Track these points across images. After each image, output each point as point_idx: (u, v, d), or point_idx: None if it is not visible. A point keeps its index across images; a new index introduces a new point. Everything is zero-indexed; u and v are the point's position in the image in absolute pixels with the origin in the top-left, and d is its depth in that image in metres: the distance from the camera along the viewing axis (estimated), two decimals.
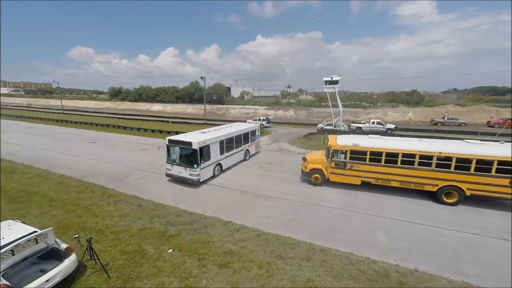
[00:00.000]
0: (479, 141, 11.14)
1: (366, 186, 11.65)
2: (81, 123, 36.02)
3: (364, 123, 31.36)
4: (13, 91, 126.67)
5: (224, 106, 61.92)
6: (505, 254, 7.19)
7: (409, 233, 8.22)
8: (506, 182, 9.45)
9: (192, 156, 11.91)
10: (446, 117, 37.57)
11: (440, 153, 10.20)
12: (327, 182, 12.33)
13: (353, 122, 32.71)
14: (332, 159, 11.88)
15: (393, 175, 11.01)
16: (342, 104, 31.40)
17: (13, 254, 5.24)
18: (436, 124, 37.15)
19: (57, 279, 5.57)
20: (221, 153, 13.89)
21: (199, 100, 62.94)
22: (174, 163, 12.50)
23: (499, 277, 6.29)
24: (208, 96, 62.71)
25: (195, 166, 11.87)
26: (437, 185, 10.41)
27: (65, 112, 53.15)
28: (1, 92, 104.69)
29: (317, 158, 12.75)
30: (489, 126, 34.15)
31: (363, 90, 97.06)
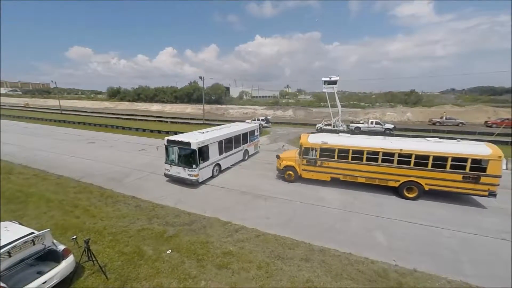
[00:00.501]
0: (438, 139, 11.70)
1: (366, 186, 11.67)
2: (79, 123, 35.86)
3: (362, 123, 31.46)
4: (11, 91, 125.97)
5: (223, 106, 61.92)
6: (504, 254, 7.22)
7: (408, 233, 8.23)
8: (459, 177, 10.03)
9: (190, 157, 11.87)
10: (444, 117, 37.74)
11: (401, 150, 10.75)
12: (325, 183, 12.35)
13: (352, 122, 32.80)
14: (304, 156, 12.40)
15: (359, 171, 11.55)
16: (341, 104, 31.46)
17: (10, 256, 5.18)
18: (434, 124, 37.30)
19: (54, 281, 5.52)
20: (220, 153, 13.86)
21: (198, 100, 62.89)
22: (173, 164, 12.45)
23: (498, 277, 6.30)
24: (207, 96, 62.70)
25: (194, 166, 11.84)
26: (399, 181, 10.97)
27: (63, 112, 52.90)
28: (0, 92, 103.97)
29: (290, 155, 13.37)
30: (487, 126, 34.31)
31: (361, 90, 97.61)
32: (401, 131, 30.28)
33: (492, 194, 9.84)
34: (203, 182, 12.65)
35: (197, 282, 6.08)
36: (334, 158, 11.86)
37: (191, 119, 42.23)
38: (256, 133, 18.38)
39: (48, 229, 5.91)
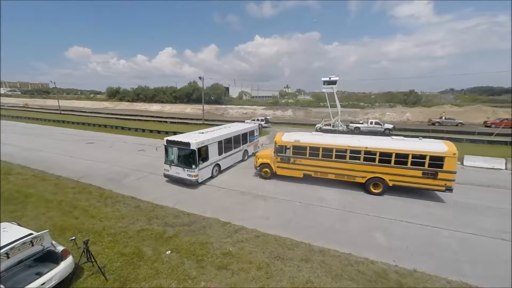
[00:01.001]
0: (402, 138, 12.34)
1: (364, 186, 11.65)
2: (78, 123, 35.78)
3: (362, 123, 31.48)
4: (10, 91, 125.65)
5: (223, 106, 61.88)
6: (503, 254, 7.22)
7: (407, 234, 8.23)
8: (419, 173, 10.50)
9: (190, 157, 11.85)
10: (443, 117, 37.81)
11: (366, 148, 11.23)
12: (325, 182, 12.41)
13: (352, 122, 32.82)
14: (278, 154, 12.90)
15: (329, 168, 12.05)
16: (340, 104, 31.47)
17: (8, 257, 5.16)
18: (433, 124, 37.37)
19: (53, 282, 5.50)
20: (220, 153, 13.84)
21: (198, 100, 62.89)
22: (172, 164, 12.42)
23: (498, 277, 6.31)
24: (207, 96, 62.63)
25: (194, 166, 11.81)
26: (365, 177, 11.45)
27: (62, 112, 52.79)
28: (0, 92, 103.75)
29: (266, 153, 13.95)
30: (486, 126, 34.40)
31: (361, 90, 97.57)
32: (400, 131, 30.29)
33: (449, 189, 10.32)
34: (203, 183, 12.62)
35: (197, 283, 6.06)
36: (305, 155, 12.35)
37: (190, 119, 42.18)
38: (255, 133, 18.36)
39: (47, 230, 5.88)
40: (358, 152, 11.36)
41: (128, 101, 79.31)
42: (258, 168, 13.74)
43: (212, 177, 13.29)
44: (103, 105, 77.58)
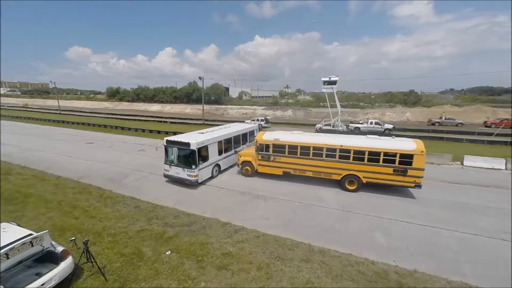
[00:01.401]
0: (376, 136, 12.59)
1: (365, 186, 11.65)
2: (78, 123, 35.77)
3: (362, 123, 31.46)
4: (10, 91, 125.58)
5: (223, 106, 61.86)
6: (503, 254, 7.22)
7: (407, 234, 8.23)
8: (390, 170, 10.94)
9: (190, 157, 11.84)
10: (443, 117, 37.81)
11: (341, 146, 11.65)
12: (326, 182, 12.42)
13: (352, 122, 32.81)
14: (259, 152, 13.28)
15: (307, 166, 12.43)
16: (340, 104, 31.48)
17: (8, 258, 5.15)
18: (433, 124, 37.36)
19: (53, 283, 5.49)
20: (220, 153, 13.84)
21: (198, 100, 62.85)
22: (172, 164, 12.41)
23: (498, 277, 6.30)
24: (207, 96, 62.59)
25: (193, 167, 11.80)
26: (341, 174, 11.85)
27: (62, 112, 52.77)
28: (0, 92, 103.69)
29: (248, 152, 14.23)
30: (486, 126, 34.38)
31: (361, 91, 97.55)
32: (401, 131, 30.30)
33: (418, 186, 10.74)
34: (203, 183, 12.62)
35: (197, 283, 6.05)
36: (285, 153, 12.73)
37: (190, 119, 42.17)
38: (255, 134, 18.36)
39: (47, 231, 5.87)
40: (334, 150, 11.79)
41: (128, 101, 79.26)
42: (240, 166, 14.05)
43: (212, 177, 13.29)
44: (103, 105, 77.53)
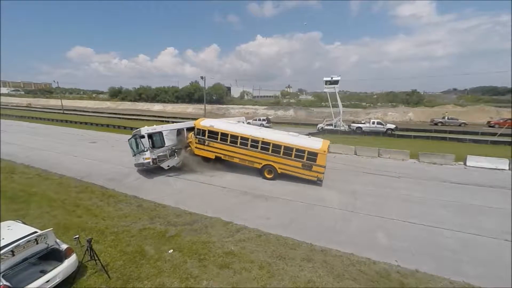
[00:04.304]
0: (296, 134, 13.93)
1: (366, 184, 11.64)
2: (81, 123, 36.00)
3: (364, 123, 31.36)
4: (13, 91, 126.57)
5: (224, 106, 61.97)
6: (505, 254, 7.19)
7: (409, 234, 8.22)
8: (300, 164, 12.34)
9: (142, 143, 13.21)
10: (446, 117, 37.60)
11: (263, 139, 12.95)
12: (326, 182, 12.48)
13: (353, 122, 32.72)
14: (196, 136, 14.34)
15: (235, 153, 13.62)
16: (342, 104, 31.42)
17: (13, 255, 5.22)
18: (436, 124, 37.16)
19: (57, 280, 5.55)
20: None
21: (199, 100, 63.02)
22: (136, 153, 13.85)
23: (499, 277, 6.28)
24: (208, 96, 62.73)
25: (146, 149, 13.13)
26: (261, 164, 13.19)
27: (65, 112, 53.14)
28: (1, 92, 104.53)
29: (189, 135, 15.10)
30: (489, 126, 34.13)
31: (363, 90, 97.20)
32: (403, 131, 30.18)
33: (320, 180, 12.29)
34: (204, 182, 12.72)
35: (199, 281, 6.09)
36: (217, 140, 13.82)
37: (192, 119, 42.15)
38: None
39: (51, 229, 5.93)
40: (257, 141, 13.03)
41: (130, 100, 79.53)
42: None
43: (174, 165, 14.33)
44: (106, 105, 77.95)
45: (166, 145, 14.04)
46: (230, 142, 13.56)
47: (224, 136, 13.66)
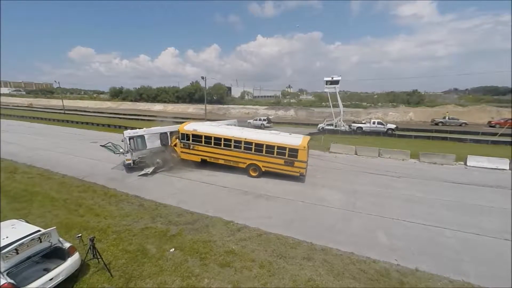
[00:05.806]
0: (277, 132, 14.39)
1: (367, 184, 11.68)
2: (82, 123, 36.10)
3: (365, 123, 31.36)
4: (14, 91, 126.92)
5: (225, 106, 61.98)
6: (505, 253, 7.22)
7: (409, 233, 8.26)
8: (282, 161, 12.66)
9: (124, 144, 13.91)
10: (447, 117, 37.55)
11: (245, 139, 13.24)
12: (327, 182, 12.49)
13: (354, 122, 32.72)
14: (181, 140, 14.64)
15: (220, 154, 13.91)
16: (342, 104, 31.41)
17: (17, 253, 5.29)
18: (437, 124, 37.12)
19: (60, 278, 5.62)
20: (162, 144, 15.13)
21: (200, 100, 63.07)
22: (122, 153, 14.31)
23: (499, 277, 6.32)
24: (209, 96, 62.74)
25: (127, 151, 13.80)
26: (246, 163, 13.47)
27: (66, 112, 53.26)
28: (2, 92, 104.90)
29: (173, 141, 15.42)
30: (490, 126, 34.08)
31: (363, 90, 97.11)
32: (403, 131, 30.16)
33: (302, 175, 12.65)
34: (205, 182, 12.81)
35: (200, 280, 6.15)
36: (201, 143, 14.13)
37: (193, 119, 42.31)
38: None
39: (54, 227, 6.01)
40: (240, 142, 13.33)
41: (131, 101, 79.60)
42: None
43: (157, 167, 14.44)
44: (106, 105, 78.03)
45: (147, 148, 14.47)
46: (214, 144, 13.85)
47: (207, 139, 13.97)
